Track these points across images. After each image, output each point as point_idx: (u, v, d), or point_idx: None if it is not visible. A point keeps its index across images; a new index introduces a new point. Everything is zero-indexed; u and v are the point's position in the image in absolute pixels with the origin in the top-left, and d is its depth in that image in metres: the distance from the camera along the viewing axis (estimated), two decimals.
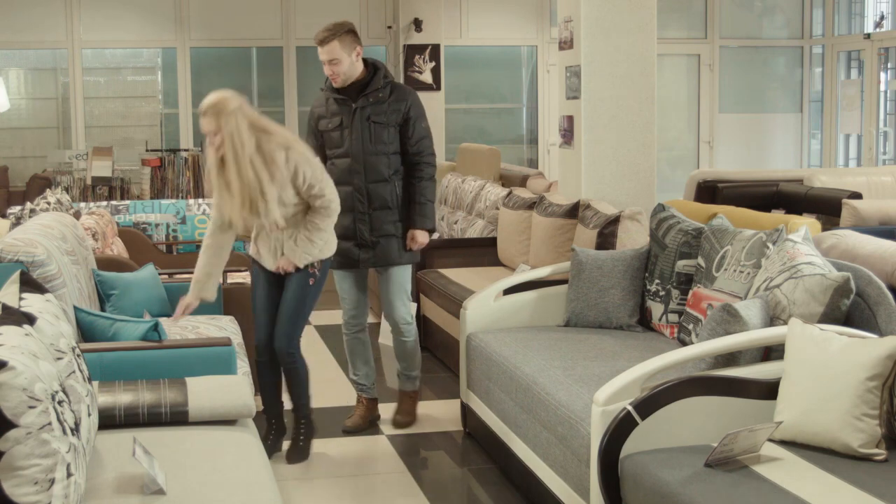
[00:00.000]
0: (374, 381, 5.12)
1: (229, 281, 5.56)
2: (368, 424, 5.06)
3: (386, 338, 5.19)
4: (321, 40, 4.73)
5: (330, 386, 5.81)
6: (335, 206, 4.40)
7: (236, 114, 4.16)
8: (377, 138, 4.81)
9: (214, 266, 4.40)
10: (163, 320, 4.35)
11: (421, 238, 4.93)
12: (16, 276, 2.92)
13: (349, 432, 4.98)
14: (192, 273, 4.46)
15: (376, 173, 4.83)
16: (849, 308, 3.47)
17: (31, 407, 2.29)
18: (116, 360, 3.72)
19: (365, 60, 4.86)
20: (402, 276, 4.98)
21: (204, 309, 4.60)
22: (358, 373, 5.09)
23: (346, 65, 4.74)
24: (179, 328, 4.57)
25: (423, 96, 12.69)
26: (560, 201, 6.25)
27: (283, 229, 4.39)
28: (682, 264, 4.40)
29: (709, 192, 8.51)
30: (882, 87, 11.80)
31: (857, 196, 7.31)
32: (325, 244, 4.45)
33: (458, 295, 5.80)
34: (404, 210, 4.92)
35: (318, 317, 7.70)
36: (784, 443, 3.07)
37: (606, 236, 5.44)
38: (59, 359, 2.64)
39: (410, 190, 4.92)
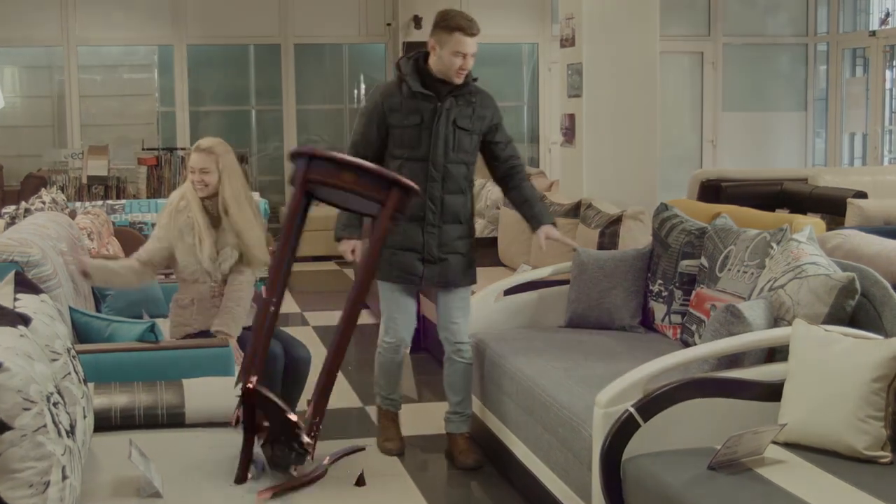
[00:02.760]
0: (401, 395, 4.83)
1: None
2: None
3: None
4: (475, 31, 4.35)
5: None
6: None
7: (231, 154, 4.42)
8: (459, 145, 4.43)
9: (123, 275, 4.36)
10: None
11: (553, 232, 4.59)
12: (10, 276, 2.92)
13: (399, 454, 4.69)
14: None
15: (454, 183, 4.45)
16: (854, 309, 3.46)
17: (25, 409, 2.29)
18: (112, 362, 3.72)
19: None
20: (468, 293, 4.65)
21: None
22: (393, 393, 4.74)
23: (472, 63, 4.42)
24: None
25: None
26: (561, 201, 6.25)
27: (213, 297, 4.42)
28: (685, 264, 4.39)
29: (712, 191, 8.51)
30: (888, 85, 11.79)
31: (863, 195, 7.31)
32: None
33: None
34: (471, 225, 4.59)
35: (316, 318, 7.70)
36: (788, 445, 3.07)
37: (608, 236, 5.44)
38: (54, 360, 2.64)
39: (522, 193, 4.59)
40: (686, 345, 4.16)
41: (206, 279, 4.39)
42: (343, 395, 5.66)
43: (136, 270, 4.37)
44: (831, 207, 7.40)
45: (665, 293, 4.48)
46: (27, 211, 6.09)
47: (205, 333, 4.35)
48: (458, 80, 4.39)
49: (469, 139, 4.45)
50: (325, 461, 3.17)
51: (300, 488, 3.04)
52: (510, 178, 4.59)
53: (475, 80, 4.49)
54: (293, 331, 5.15)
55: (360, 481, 3.94)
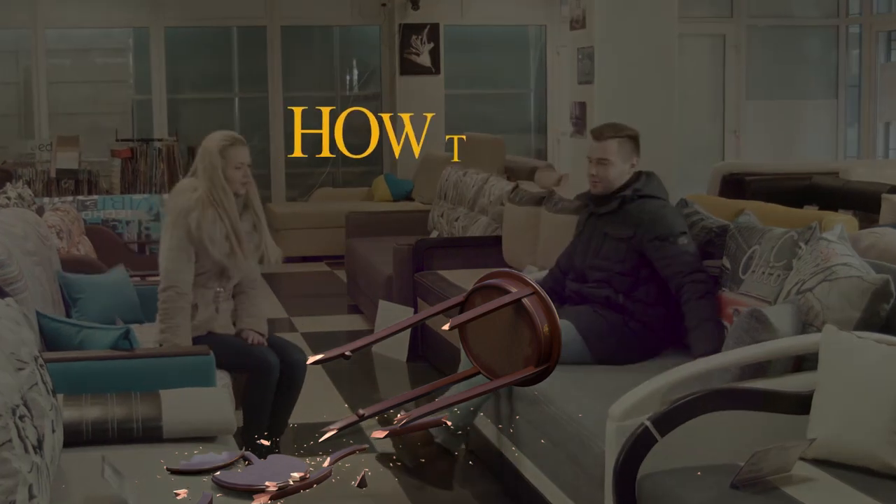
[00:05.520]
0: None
1: None
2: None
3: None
4: (605, 134, 4.53)
5: (318, 400, 5.82)
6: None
7: None
8: (602, 252, 4.50)
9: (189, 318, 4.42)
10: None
11: None
12: None
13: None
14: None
15: (588, 293, 4.50)
16: (888, 313, 3.47)
17: None
18: (84, 371, 3.72)
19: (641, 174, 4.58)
20: None
21: None
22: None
23: (615, 171, 4.50)
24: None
25: (421, 81, 12.50)
26: (571, 196, 6.25)
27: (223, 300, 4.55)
28: (705, 265, 4.39)
29: (735, 185, 8.50)
30: None
31: None
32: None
33: None
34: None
35: (306, 323, 7.70)
36: (818, 461, 3.07)
37: None
38: (20, 369, 2.64)
39: (685, 315, 4.28)
40: None
41: (212, 285, 4.46)
42: (336, 406, 5.67)
43: (189, 301, 4.40)
44: (864, 203, 7.40)
45: None
46: None
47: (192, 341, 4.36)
48: (593, 190, 4.57)
49: (616, 248, 4.44)
50: (326, 463, 3.20)
51: (303, 490, 3.06)
52: (679, 297, 4.33)
53: (636, 194, 4.48)
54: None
55: (362, 483, 3.93)
